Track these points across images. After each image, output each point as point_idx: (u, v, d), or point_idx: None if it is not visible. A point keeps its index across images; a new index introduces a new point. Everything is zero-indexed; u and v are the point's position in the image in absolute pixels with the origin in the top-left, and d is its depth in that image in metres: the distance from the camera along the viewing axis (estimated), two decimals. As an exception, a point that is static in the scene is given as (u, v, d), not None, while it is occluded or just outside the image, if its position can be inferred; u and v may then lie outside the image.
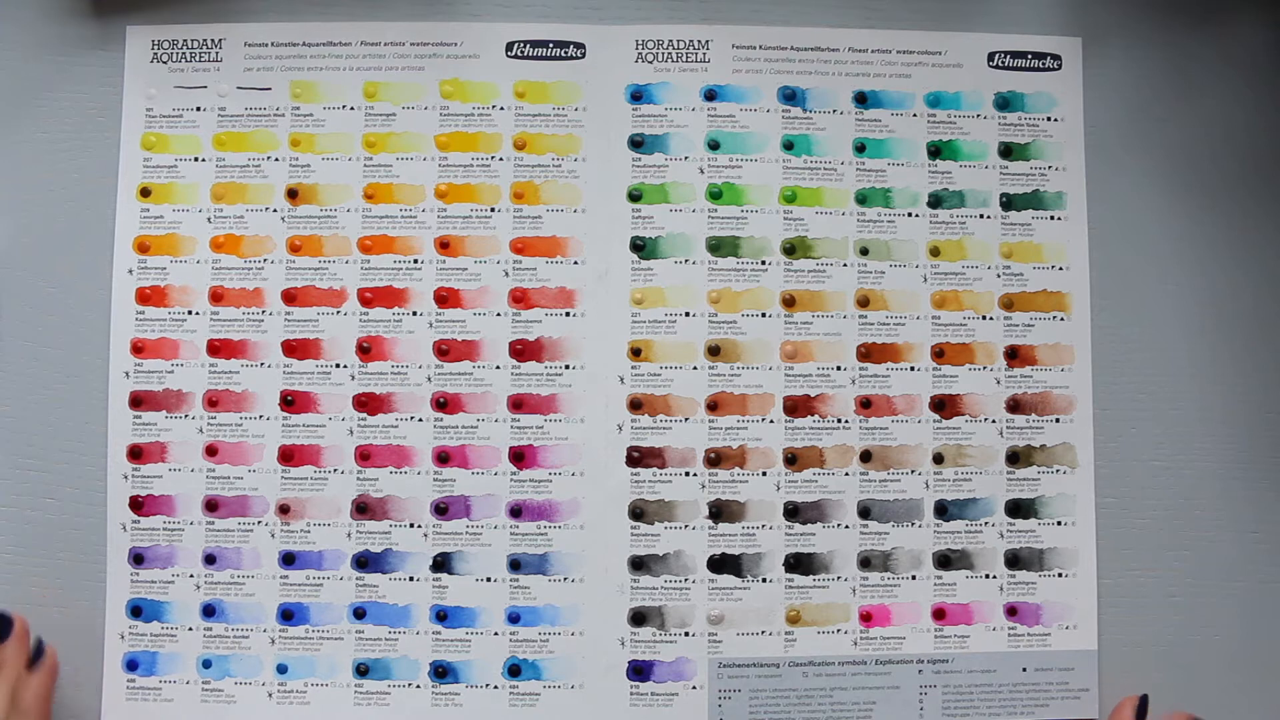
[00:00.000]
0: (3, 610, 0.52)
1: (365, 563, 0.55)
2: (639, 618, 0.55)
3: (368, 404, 0.55)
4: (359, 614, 0.55)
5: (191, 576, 0.55)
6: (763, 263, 0.56)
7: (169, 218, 0.56)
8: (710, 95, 0.57)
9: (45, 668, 0.52)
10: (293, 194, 0.56)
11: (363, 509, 0.55)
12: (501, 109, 0.57)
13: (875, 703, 0.55)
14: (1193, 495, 0.56)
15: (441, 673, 0.54)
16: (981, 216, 0.57)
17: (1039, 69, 0.58)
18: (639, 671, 0.55)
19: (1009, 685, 0.55)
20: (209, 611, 0.55)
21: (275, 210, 0.56)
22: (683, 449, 0.55)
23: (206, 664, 0.54)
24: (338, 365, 0.56)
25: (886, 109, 0.57)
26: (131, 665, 0.54)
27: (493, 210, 0.56)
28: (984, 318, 0.57)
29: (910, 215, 0.57)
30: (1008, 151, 0.57)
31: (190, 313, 0.56)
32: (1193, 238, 0.57)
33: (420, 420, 0.55)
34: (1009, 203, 0.57)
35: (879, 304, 0.57)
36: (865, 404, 0.56)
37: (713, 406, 0.56)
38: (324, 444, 0.55)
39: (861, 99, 0.57)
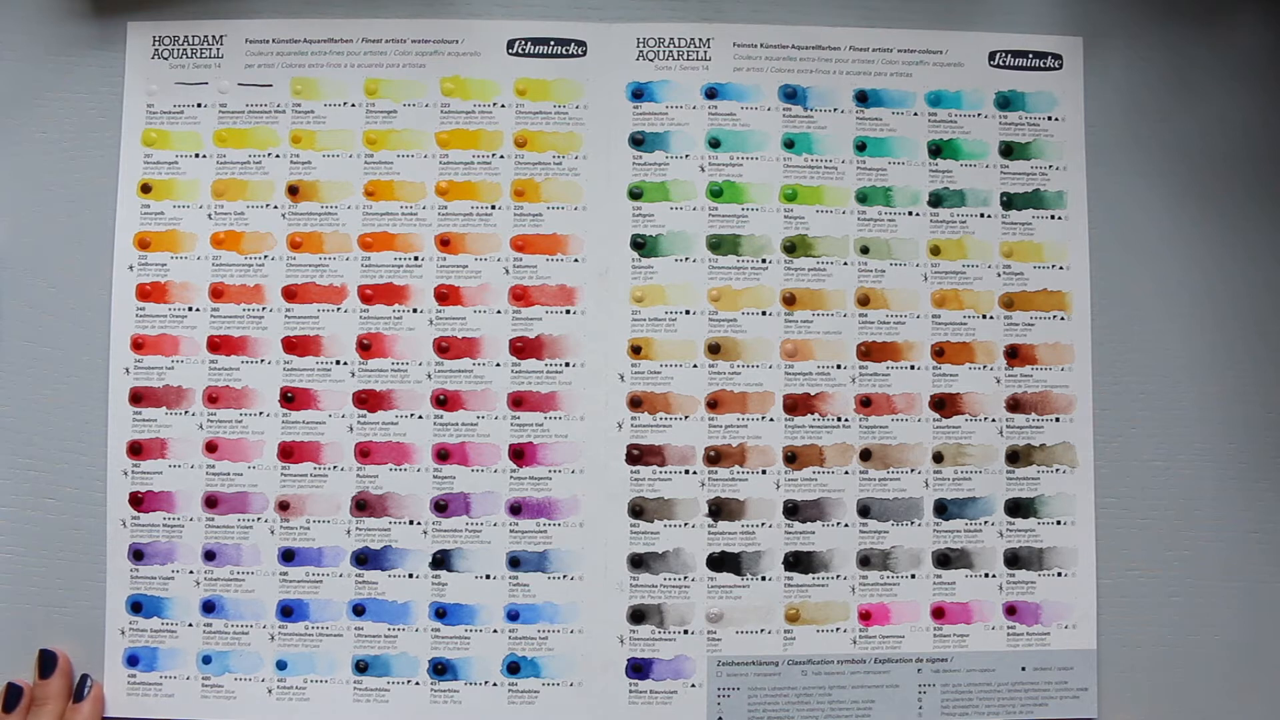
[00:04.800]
0: (49, 648, 0.53)
1: (365, 559, 0.55)
2: (638, 615, 0.55)
3: (368, 401, 0.55)
4: (358, 611, 0.55)
5: (191, 573, 0.55)
6: (763, 261, 0.56)
7: (169, 214, 0.56)
8: (711, 93, 0.57)
9: (91, 698, 0.53)
10: (293, 190, 0.56)
11: (362, 506, 0.55)
12: (502, 106, 0.57)
13: (874, 701, 0.55)
14: (1193, 495, 0.56)
15: (441, 670, 0.55)
16: (982, 215, 0.57)
17: (1040, 68, 0.58)
18: (638, 669, 0.55)
19: (1008, 684, 0.55)
20: (209, 608, 0.55)
21: (276, 207, 0.56)
22: (682, 447, 0.55)
23: (206, 660, 0.54)
24: (338, 362, 0.56)
25: (887, 108, 0.57)
26: (132, 661, 0.54)
27: (493, 208, 0.56)
28: (984, 317, 0.57)
29: (911, 214, 0.57)
30: (1008, 151, 0.57)
31: (190, 309, 0.56)
32: (1193, 237, 0.57)
33: (420, 417, 0.55)
34: (1009, 202, 0.57)
35: (879, 302, 0.57)
36: (865, 402, 0.56)
37: (713, 404, 0.56)
38: (324, 441, 0.55)
39: (862, 98, 0.57)
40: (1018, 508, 0.56)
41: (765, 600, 0.55)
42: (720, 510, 0.55)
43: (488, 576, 0.55)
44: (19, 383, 0.55)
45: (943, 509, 0.56)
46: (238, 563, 0.55)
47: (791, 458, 0.56)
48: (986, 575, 0.56)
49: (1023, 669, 0.55)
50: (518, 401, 0.55)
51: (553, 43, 0.57)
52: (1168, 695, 0.56)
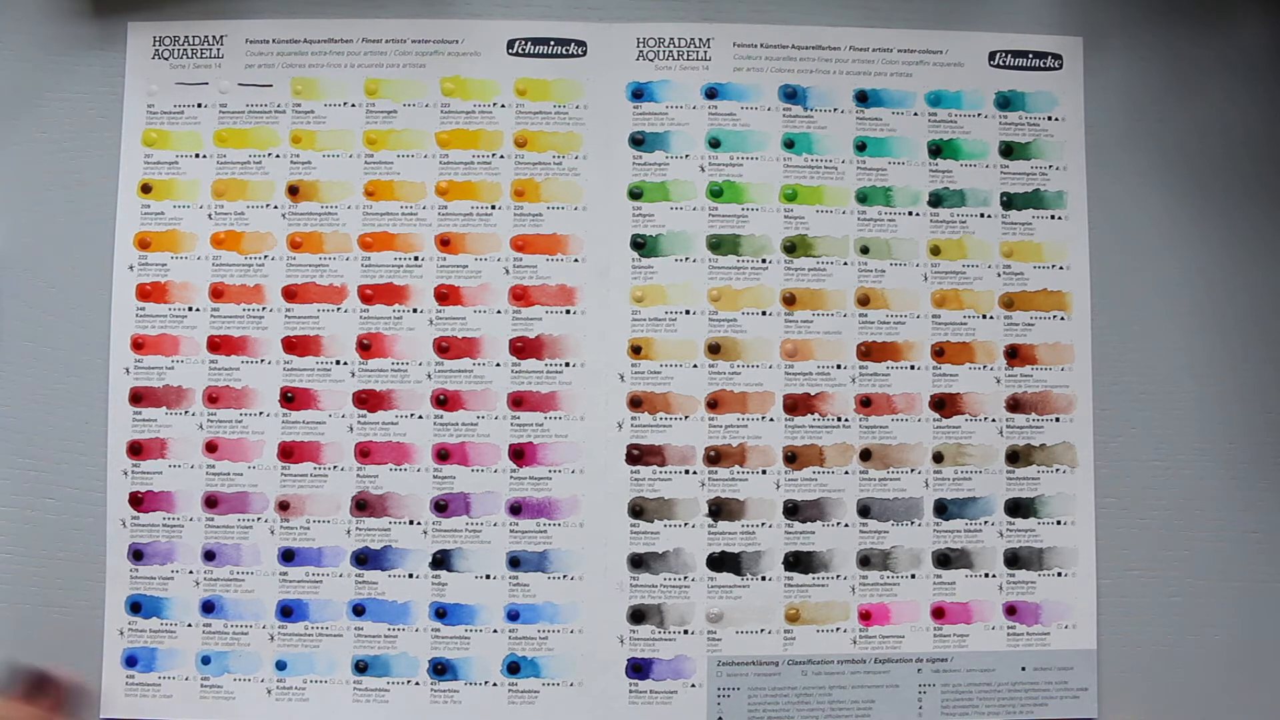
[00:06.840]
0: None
1: (365, 559, 0.55)
2: (638, 615, 0.55)
3: (368, 401, 0.55)
4: (358, 611, 0.55)
5: (191, 573, 0.55)
6: (763, 261, 0.56)
7: (170, 214, 0.56)
8: (711, 93, 0.57)
9: None
10: (293, 190, 0.56)
11: (362, 506, 0.55)
12: (502, 106, 0.57)
13: (874, 701, 0.55)
14: (1193, 495, 0.56)
15: (441, 670, 0.54)
16: (982, 215, 0.57)
17: (1040, 68, 0.58)
18: (638, 669, 0.55)
19: (1008, 684, 0.55)
20: (208, 608, 0.55)
21: (276, 207, 0.56)
22: (682, 447, 0.55)
23: (205, 660, 0.54)
24: (338, 362, 0.56)
25: (887, 108, 0.57)
26: (130, 661, 0.54)
27: (493, 207, 0.56)
28: (984, 317, 0.57)
29: (911, 214, 0.57)
30: (1008, 150, 0.57)
31: (191, 309, 0.56)
32: (1192, 237, 0.57)
33: (420, 417, 0.55)
34: (1009, 202, 0.57)
35: (879, 302, 0.57)
36: (865, 402, 0.56)
37: (713, 404, 0.56)
38: (324, 441, 0.55)
39: (862, 98, 0.57)
40: (1018, 508, 0.56)
41: (765, 600, 0.55)
42: (720, 510, 0.55)
43: (488, 576, 0.55)
44: (19, 383, 0.55)
45: (943, 509, 0.56)
46: (237, 563, 0.55)
47: (791, 458, 0.56)
48: (986, 575, 0.56)
49: (1023, 669, 0.55)
50: (518, 401, 0.55)
51: (553, 43, 0.57)
52: (1168, 695, 0.56)
